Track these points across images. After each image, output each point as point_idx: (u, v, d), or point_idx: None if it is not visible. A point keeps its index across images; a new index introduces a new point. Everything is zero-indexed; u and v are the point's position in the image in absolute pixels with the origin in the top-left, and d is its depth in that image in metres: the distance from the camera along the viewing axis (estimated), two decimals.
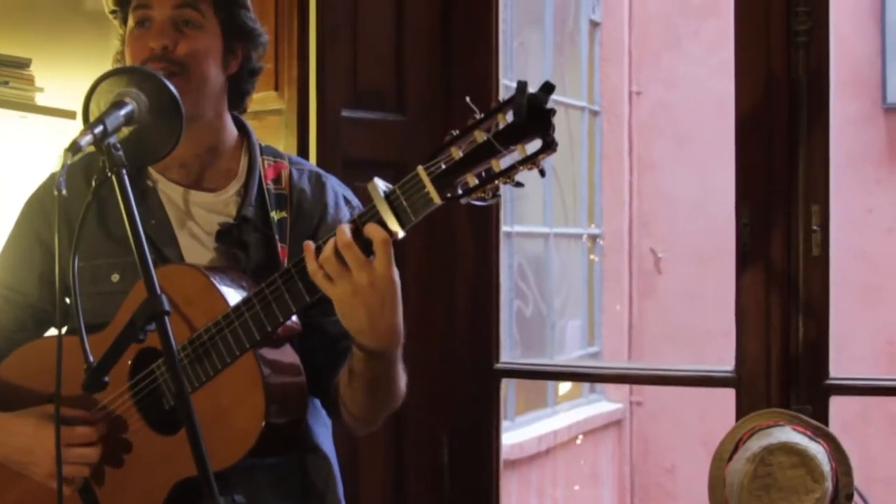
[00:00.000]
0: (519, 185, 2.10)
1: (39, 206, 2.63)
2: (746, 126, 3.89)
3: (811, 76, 3.80)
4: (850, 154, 8.77)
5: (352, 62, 4.05)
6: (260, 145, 2.67)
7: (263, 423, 2.29)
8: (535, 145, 2.06)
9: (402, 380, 2.45)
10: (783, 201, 3.80)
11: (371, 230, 2.16)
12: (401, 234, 2.16)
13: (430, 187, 2.11)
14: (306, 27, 3.92)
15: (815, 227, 3.75)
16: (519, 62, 8.69)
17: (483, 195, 2.11)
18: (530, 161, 2.05)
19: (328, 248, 2.18)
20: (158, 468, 2.37)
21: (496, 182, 2.09)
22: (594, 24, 9.89)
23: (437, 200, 2.11)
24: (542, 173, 2.09)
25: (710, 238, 8.78)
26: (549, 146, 2.05)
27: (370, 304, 2.21)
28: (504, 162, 2.08)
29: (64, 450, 2.33)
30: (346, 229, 2.17)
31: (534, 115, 2.04)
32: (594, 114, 9.84)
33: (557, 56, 9.22)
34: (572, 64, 9.63)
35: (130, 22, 2.51)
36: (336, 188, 2.67)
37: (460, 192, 2.11)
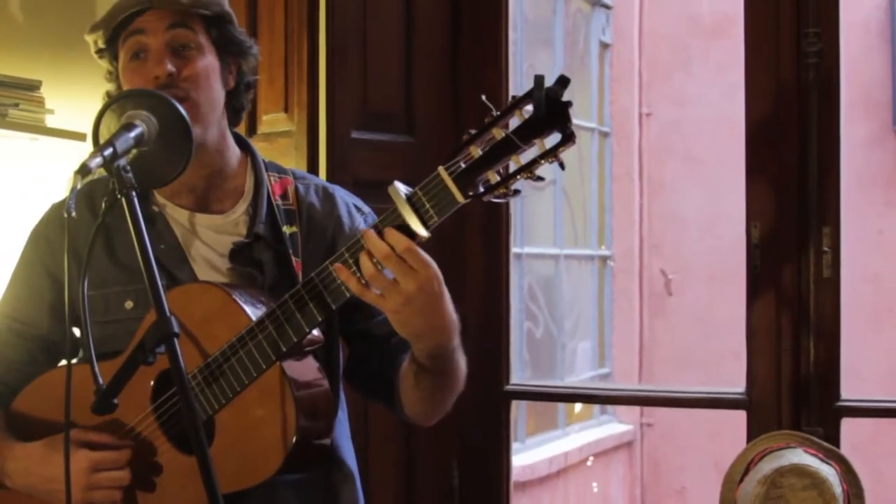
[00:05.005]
0: (540, 178, 2.10)
1: (44, 237, 2.61)
2: (756, 147, 3.89)
3: (821, 97, 3.80)
4: (860, 176, 8.77)
5: (361, 84, 4.06)
6: (264, 161, 2.65)
7: (296, 436, 2.28)
8: (553, 139, 2.07)
9: (464, 362, 2.44)
10: (794, 223, 3.80)
11: (392, 240, 2.15)
12: (425, 235, 2.15)
13: (452, 187, 2.11)
14: (316, 49, 3.93)
15: (826, 249, 3.75)
16: (528, 84, 8.66)
17: (505, 191, 2.11)
18: (551, 154, 2.06)
19: (368, 264, 2.17)
20: (189, 489, 2.34)
21: (518, 178, 2.09)
22: (604, 46, 9.90)
23: (461, 199, 2.11)
24: (562, 166, 2.09)
25: (721, 259, 8.77)
26: (569, 138, 2.06)
27: (423, 308, 2.20)
28: (524, 157, 2.09)
29: (95, 475, 2.34)
30: (378, 239, 2.16)
31: (551, 109, 2.05)
32: (604, 135, 9.85)
33: None
34: (582, 85, 9.64)
35: (124, 57, 2.49)
36: (346, 198, 2.67)
37: (482, 189, 2.11)
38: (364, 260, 2.18)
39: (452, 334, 2.32)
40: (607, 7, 9.89)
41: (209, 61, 2.50)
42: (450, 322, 2.29)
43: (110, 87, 2.57)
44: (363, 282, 2.20)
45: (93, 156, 2.11)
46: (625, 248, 10.00)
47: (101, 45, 2.54)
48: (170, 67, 2.43)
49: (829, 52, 3.81)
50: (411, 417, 2.55)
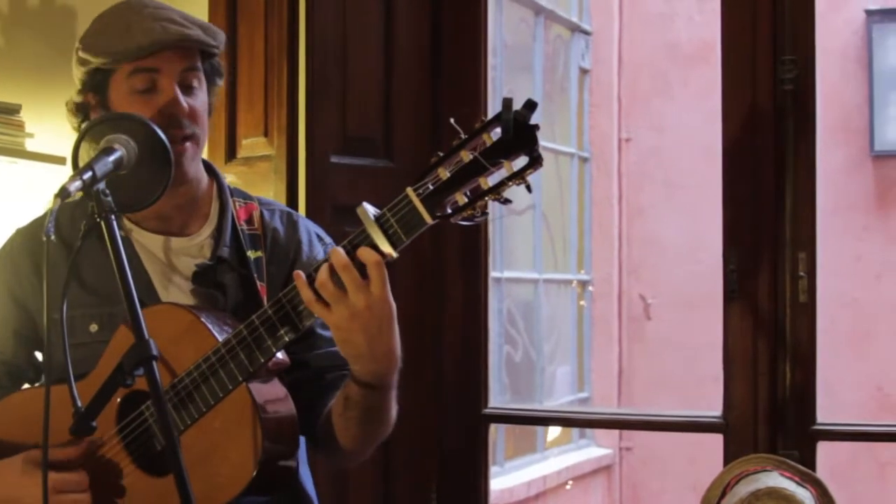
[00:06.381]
0: (507, 201, 2.13)
1: (10, 262, 2.62)
2: (733, 172, 3.91)
3: (797, 123, 3.83)
4: (838, 201, 8.80)
5: (341, 109, 4.07)
6: (229, 187, 2.68)
7: (259, 458, 2.29)
8: (521, 162, 2.09)
9: (394, 409, 2.46)
10: (770, 248, 3.82)
11: (363, 253, 2.17)
12: (394, 255, 2.18)
13: (420, 208, 2.14)
14: (296, 74, 3.94)
15: (801, 274, 3.77)
16: None
17: (472, 213, 2.13)
18: (517, 177, 2.08)
19: (323, 273, 2.20)
20: None
21: (485, 199, 2.11)
22: (584, 71, 9.92)
23: (428, 220, 2.14)
24: (529, 189, 2.12)
25: (699, 284, 8.78)
26: (536, 161, 2.08)
27: (368, 328, 2.22)
28: (491, 179, 2.10)
29: (56, 496, 2.32)
30: (340, 252, 2.18)
31: (519, 132, 2.07)
32: (584, 160, 9.86)
33: (547, 103, 9.24)
34: (562, 111, 9.66)
35: (128, 85, 2.48)
36: (308, 226, 2.69)
37: (450, 210, 2.14)
38: (321, 270, 2.20)
39: (392, 367, 2.34)
40: (587, 33, 9.92)
41: (205, 96, 2.54)
42: (392, 352, 2.31)
43: (79, 98, 2.57)
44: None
45: (72, 179, 2.12)
46: (604, 272, 10.01)
47: (99, 66, 2.51)
48: (186, 107, 2.46)
49: (806, 78, 3.84)
50: (333, 453, 2.54)
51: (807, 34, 3.85)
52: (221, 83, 2.65)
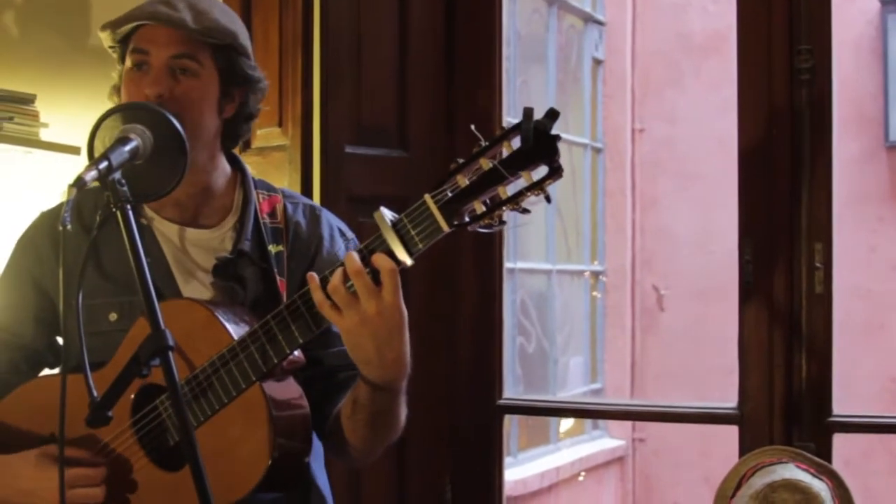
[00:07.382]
0: (526, 211, 2.11)
1: (32, 245, 2.62)
2: (749, 163, 3.90)
3: (813, 114, 3.82)
4: (853, 192, 8.77)
5: (355, 99, 4.07)
6: (254, 179, 2.66)
7: (271, 456, 2.29)
8: (540, 171, 2.07)
9: (404, 413, 2.45)
10: (786, 239, 3.81)
11: (378, 260, 2.16)
12: (409, 262, 2.16)
13: (437, 215, 2.12)
14: (310, 64, 3.94)
15: (818, 265, 3.76)
16: (522, 100, 8.70)
17: (490, 222, 2.11)
18: (537, 187, 2.07)
19: (336, 278, 2.19)
20: None
21: (503, 209, 2.10)
22: (597, 62, 9.91)
23: (445, 228, 2.12)
24: (549, 199, 2.10)
25: (713, 275, 8.78)
26: (556, 172, 2.06)
27: (378, 334, 2.21)
28: (510, 189, 2.09)
29: (68, 492, 2.31)
30: (355, 257, 2.17)
31: (540, 141, 2.05)
32: (597, 151, 9.85)
33: (560, 94, 9.23)
34: (575, 101, 9.65)
35: (128, 62, 2.50)
36: (331, 221, 2.68)
37: (467, 219, 2.12)
38: (335, 275, 2.19)
39: (401, 373, 2.32)
40: (600, 23, 9.90)
41: (205, 87, 2.50)
42: (401, 358, 2.29)
43: (117, 82, 2.58)
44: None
45: (88, 169, 2.12)
46: (617, 263, 10.00)
47: (110, 42, 2.55)
48: (160, 90, 2.44)
49: (822, 68, 3.82)
50: (343, 451, 2.53)
51: (823, 24, 3.83)
52: (252, 93, 2.61)
